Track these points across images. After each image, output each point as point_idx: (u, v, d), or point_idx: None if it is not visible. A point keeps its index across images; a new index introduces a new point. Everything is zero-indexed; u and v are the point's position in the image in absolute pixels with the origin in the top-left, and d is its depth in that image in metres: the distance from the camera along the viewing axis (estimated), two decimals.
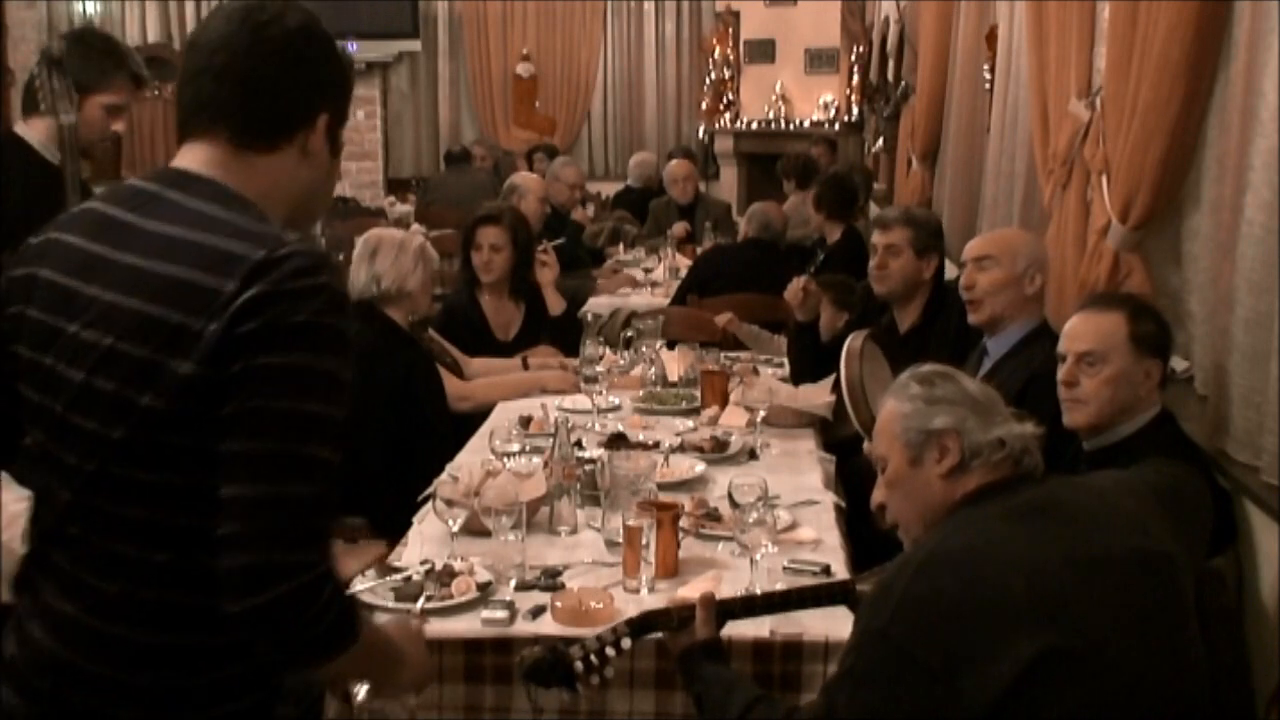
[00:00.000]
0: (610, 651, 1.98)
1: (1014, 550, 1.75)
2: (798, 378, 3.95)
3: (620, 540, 2.49)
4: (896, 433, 1.98)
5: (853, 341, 3.24)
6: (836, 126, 10.41)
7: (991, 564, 1.74)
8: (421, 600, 2.32)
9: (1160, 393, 2.58)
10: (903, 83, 7.48)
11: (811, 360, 3.95)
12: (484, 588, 2.38)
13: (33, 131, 3.26)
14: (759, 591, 2.29)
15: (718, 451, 3.30)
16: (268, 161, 1.58)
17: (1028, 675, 1.66)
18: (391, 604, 2.33)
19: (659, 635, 2.09)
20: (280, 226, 1.56)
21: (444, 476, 2.88)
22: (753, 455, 3.33)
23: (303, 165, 1.62)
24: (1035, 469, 1.93)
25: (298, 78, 1.59)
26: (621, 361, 4.20)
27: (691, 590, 2.30)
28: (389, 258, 3.71)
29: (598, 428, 3.52)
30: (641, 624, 2.05)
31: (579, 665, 1.95)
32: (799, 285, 4.03)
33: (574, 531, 2.76)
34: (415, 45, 11.88)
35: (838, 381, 3.32)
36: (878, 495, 2.03)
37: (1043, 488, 1.91)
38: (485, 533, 2.54)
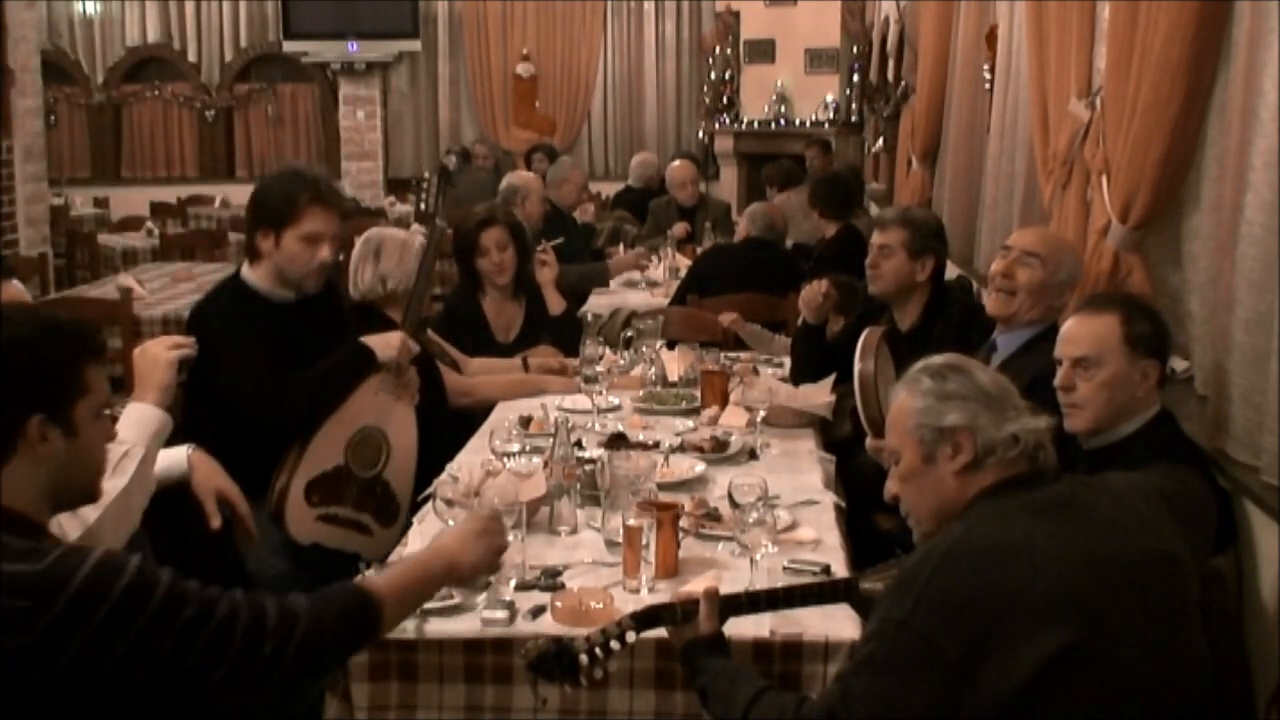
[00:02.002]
0: (615, 644, 1.98)
1: (1039, 546, 1.77)
2: (798, 378, 3.93)
3: (620, 540, 2.48)
4: (909, 428, 1.98)
5: (869, 336, 3.19)
6: (836, 126, 10.41)
7: (1017, 559, 1.75)
8: None
9: (1159, 392, 2.57)
10: (903, 83, 7.49)
11: (815, 361, 3.93)
12: (484, 588, 2.38)
13: (255, 275, 3.22)
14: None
15: (718, 451, 3.30)
16: (6, 473, 1.67)
17: (1046, 669, 1.68)
18: None
19: (663, 629, 2.08)
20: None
21: (444, 476, 2.87)
22: (753, 455, 3.32)
23: (40, 466, 1.70)
24: (1050, 464, 1.94)
25: None
26: (621, 361, 4.19)
27: (692, 589, 2.30)
28: (394, 257, 3.72)
29: (598, 428, 3.51)
30: (646, 617, 2.05)
31: (584, 657, 1.94)
32: (819, 289, 3.96)
33: (574, 531, 2.75)
34: (415, 45, 11.89)
35: (847, 374, 3.28)
36: (891, 487, 2.04)
37: (1061, 486, 1.91)
38: None
